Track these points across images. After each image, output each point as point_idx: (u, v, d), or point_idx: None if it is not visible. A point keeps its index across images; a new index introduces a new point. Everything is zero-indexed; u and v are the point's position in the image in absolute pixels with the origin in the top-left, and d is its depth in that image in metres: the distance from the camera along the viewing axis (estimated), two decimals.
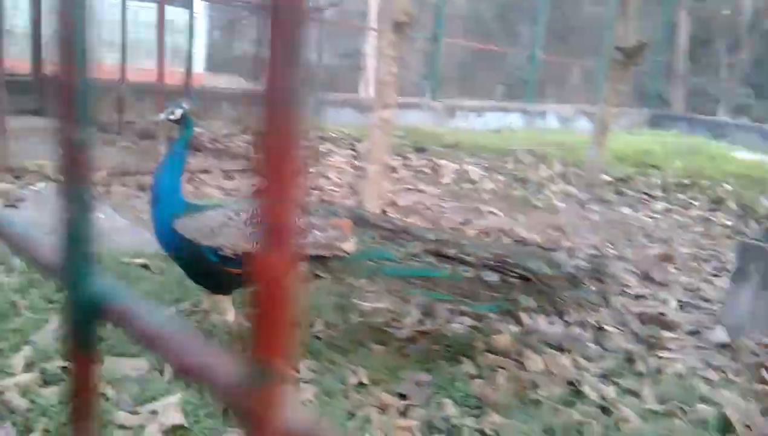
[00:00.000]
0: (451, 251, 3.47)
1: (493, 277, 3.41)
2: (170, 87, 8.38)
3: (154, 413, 2.76)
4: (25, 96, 8.72)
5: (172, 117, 3.30)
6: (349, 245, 3.35)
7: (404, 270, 3.40)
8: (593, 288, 3.64)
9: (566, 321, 4.26)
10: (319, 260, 3.35)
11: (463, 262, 3.44)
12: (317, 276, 3.54)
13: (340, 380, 3.22)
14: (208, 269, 3.22)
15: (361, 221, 3.55)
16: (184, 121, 3.32)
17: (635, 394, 3.42)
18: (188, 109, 3.31)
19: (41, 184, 5.93)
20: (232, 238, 3.13)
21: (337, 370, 3.33)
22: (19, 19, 9.24)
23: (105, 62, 9.50)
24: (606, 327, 4.26)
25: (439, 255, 3.46)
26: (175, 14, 10.17)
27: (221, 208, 3.29)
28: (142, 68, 9.70)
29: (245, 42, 13.32)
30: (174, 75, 9.18)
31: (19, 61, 8.88)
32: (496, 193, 8.39)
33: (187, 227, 3.17)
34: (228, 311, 3.30)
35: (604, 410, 3.19)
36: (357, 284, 3.55)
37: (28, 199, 5.50)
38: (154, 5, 9.50)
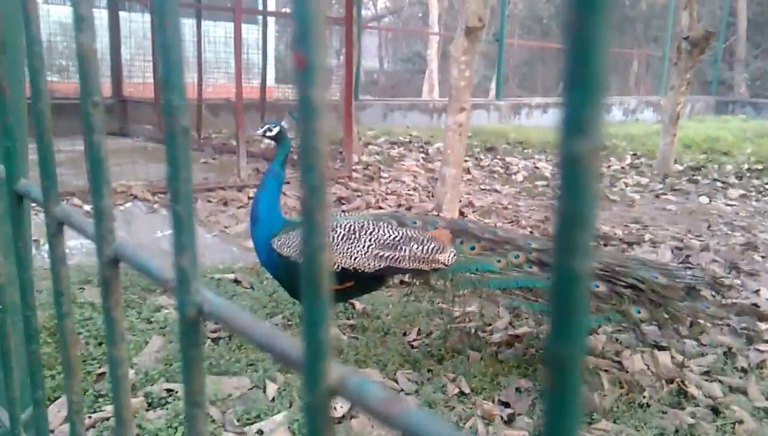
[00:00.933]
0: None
1: (601, 287, 3.16)
2: (247, 102, 8.40)
3: (260, 433, 2.68)
4: (107, 118, 8.90)
5: (269, 134, 3.23)
6: (447, 257, 3.22)
7: (506, 282, 3.22)
8: (712, 299, 3.33)
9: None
10: (417, 272, 3.26)
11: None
12: (414, 287, 3.44)
13: (440, 390, 3.10)
14: None
15: (460, 232, 3.42)
16: (280, 139, 3.25)
17: (742, 392, 3.19)
18: (285, 127, 3.25)
19: (128, 204, 5.97)
20: (344, 255, 3.08)
21: (436, 379, 3.21)
22: (97, 44, 9.45)
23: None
24: (700, 321, 4.01)
25: (543, 265, 3.26)
26: (245, 31, 10.25)
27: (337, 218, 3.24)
28: (217, 84, 9.78)
29: None
30: (248, 90, 9.22)
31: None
32: None
33: (284, 244, 3.12)
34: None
35: (714, 410, 2.98)
36: (457, 296, 3.37)
37: (118, 219, 5.56)
38: (224, 24, 9.58)
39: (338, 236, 3.11)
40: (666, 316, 3.16)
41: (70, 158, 6.58)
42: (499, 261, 3.28)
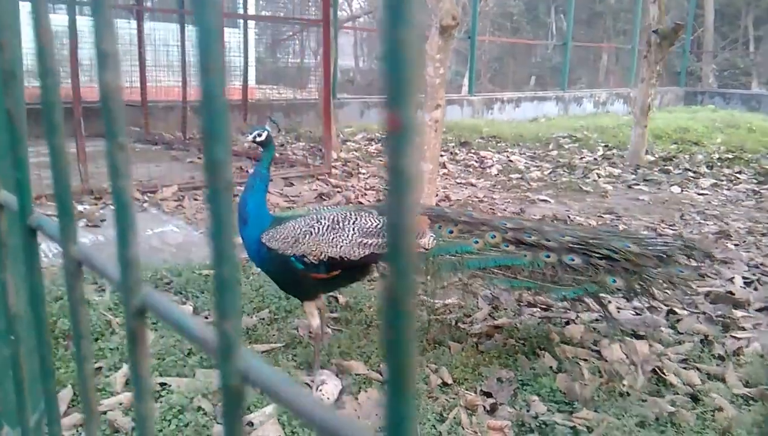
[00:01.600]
0: (531, 238, 3.31)
1: (576, 260, 3.23)
2: (230, 102, 8.33)
3: (250, 424, 2.65)
4: (99, 121, 8.78)
5: (258, 139, 3.19)
6: (427, 241, 3.28)
7: (484, 262, 3.27)
8: (686, 265, 3.36)
9: (635, 307, 4.07)
10: None
11: (543, 247, 3.29)
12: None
13: (423, 381, 3.07)
14: (295, 277, 3.13)
15: (438, 217, 3.45)
16: (266, 143, 3.22)
17: (720, 379, 3.20)
18: (270, 131, 3.22)
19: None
20: (315, 245, 3.07)
21: (419, 370, 3.17)
22: (86, 50, 9.32)
23: (167, 84, 9.53)
24: (676, 310, 4.03)
25: (520, 243, 3.31)
26: (227, 35, 10.18)
27: (303, 217, 3.20)
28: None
29: (287, 55, 13.27)
30: (231, 91, 9.14)
31: (90, 88, 8.95)
32: (543, 181, 8.14)
33: (273, 238, 3.10)
34: (313, 315, 3.19)
35: (693, 398, 2.98)
36: (437, 280, 3.37)
37: (109, 218, 5.48)
38: None
39: (323, 226, 3.11)
40: (641, 284, 3.21)
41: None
42: (476, 242, 3.32)
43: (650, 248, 3.34)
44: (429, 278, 3.36)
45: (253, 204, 3.14)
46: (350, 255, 3.09)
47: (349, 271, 3.21)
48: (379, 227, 3.18)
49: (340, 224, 3.12)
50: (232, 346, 0.50)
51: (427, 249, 3.27)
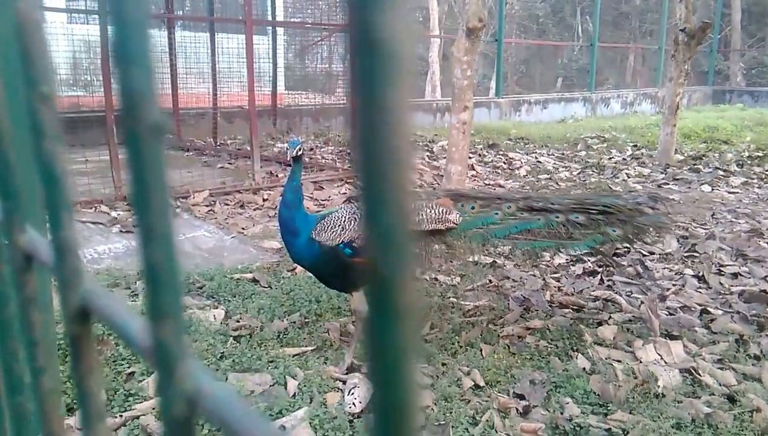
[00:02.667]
0: (539, 204, 3.67)
1: (580, 217, 3.59)
2: (259, 108, 8.37)
3: (282, 428, 2.63)
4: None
5: (299, 154, 3.27)
6: (456, 217, 3.54)
7: (507, 229, 3.59)
8: (657, 212, 3.76)
9: (668, 307, 3.98)
10: (435, 233, 3.53)
11: (551, 211, 3.63)
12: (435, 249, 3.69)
13: (455, 384, 3.02)
14: (345, 266, 3.20)
15: (458, 197, 3.74)
16: (298, 157, 3.30)
17: (756, 379, 3.09)
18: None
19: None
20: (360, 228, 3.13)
21: (451, 373, 3.13)
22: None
23: (198, 91, 9.61)
24: (710, 309, 3.92)
25: (532, 210, 3.65)
26: (256, 41, 10.24)
27: (343, 208, 3.34)
28: (231, 93, 9.79)
29: (316, 61, 13.32)
30: (260, 96, 9.19)
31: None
32: (572, 181, 8.03)
33: (321, 231, 3.20)
34: (363, 303, 3.23)
35: (730, 398, 2.88)
36: (470, 252, 3.69)
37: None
38: (236, 36, 9.58)
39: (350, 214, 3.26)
40: (634, 230, 3.63)
41: (97, 168, 6.56)
42: (496, 214, 3.63)
43: (630, 201, 3.79)
44: (462, 253, 3.69)
45: (299, 217, 3.24)
46: None
47: None
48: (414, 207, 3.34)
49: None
50: (172, 359, 0.36)
51: (456, 224, 3.52)
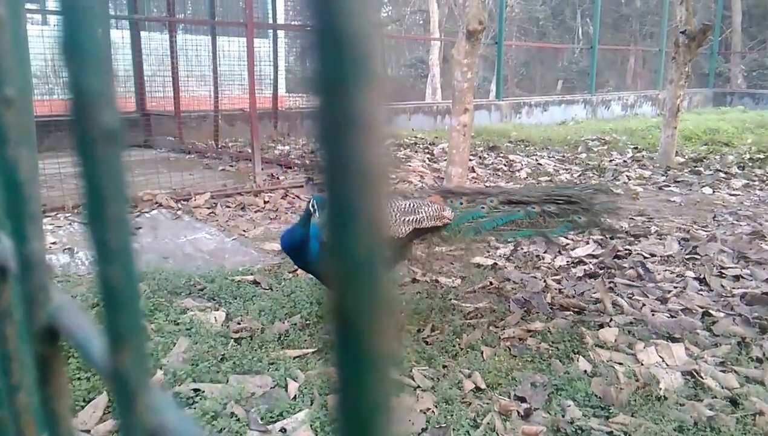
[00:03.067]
0: (516, 197, 3.93)
1: (551, 207, 3.86)
2: (260, 111, 8.37)
3: (283, 431, 2.62)
4: (132, 131, 8.89)
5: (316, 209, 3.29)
6: (449, 213, 3.72)
7: (494, 221, 3.82)
8: (607, 200, 4.06)
9: (670, 309, 3.96)
10: (433, 230, 3.68)
11: (527, 202, 3.89)
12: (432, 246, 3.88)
13: (456, 386, 3.00)
14: None
15: (447, 194, 3.96)
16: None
17: (759, 382, 3.07)
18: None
19: (154, 212, 5.97)
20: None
21: (452, 375, 3.12)
22: (120, 62, 9.44)
23: (199, 94, 9.60)
24: (712, 312, 3.91)
25: (511, 203, 3.90)
26: (257, 44, 10.24)
27: None
28: (232, 96, 9.78)
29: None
30: (261, 100, 9.19)
31: (124, 99, 9.07)
32: (573, 184, 8.01)
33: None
34: None
35: (732, 402, 2.86)
36: (465, 245, 3.93)
37: (144, 226, 5.52)
38: (237, 39, 9.60)
39: None
40: (593, 216, 3.91)
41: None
42: (482, 208, 3.86)
43: (585, 191, 4.10)
44: (457, 246, 3.94)
45: (302, 234, 3.32)
46: (399, 233, 3.46)
47: (395, 249, 3.55)
48: (412, 206, 3.59)
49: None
50: (133, 390, 0.32)
51: (451, 219, 3.70)
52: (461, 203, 3.88)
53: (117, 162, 0.31)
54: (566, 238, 5.22)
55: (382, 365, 0.24)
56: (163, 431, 0.31)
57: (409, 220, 3.50)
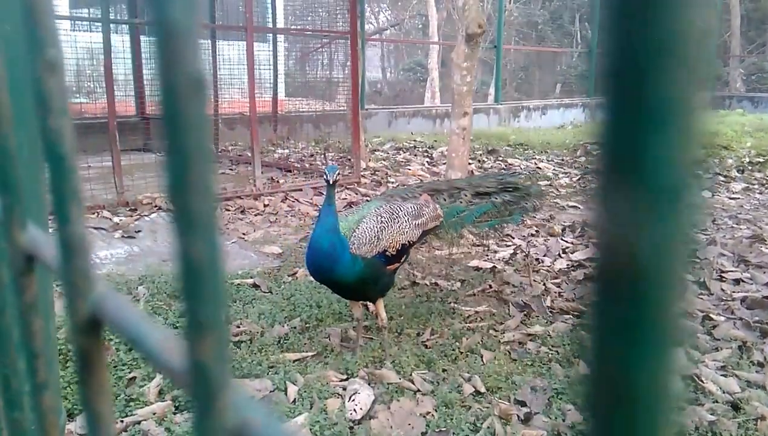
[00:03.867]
0: (481, 189, 4.09)
1: (507, 196, 4.08)
2: (260, 115, 8.37)
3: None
4: (132, 135, 8.88)
5: (335, 179, 3.18)
6: (440, 210, 3.75)
7: (472, 215, 3.93)
8: (538, 185, 4.52)
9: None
10: (434, 229, 3.72)
11: (491, 193, 4.08)
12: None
13: (456, 390, 2.99)
14: (382, 275, 3.28)
15: (432, 191, 3.96)
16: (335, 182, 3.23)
17: (760, 386, 3.06)
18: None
19: (153, 215, 5.96)
20: (391, 237, 3.31)
21: (452, 379, 3.10)
22: (120, 67, 9.43)
23: None
24: (712, 316, 3.89)
25: (479, 195, 4.06)
26: (257, 49, 10.24)
27: (363, 219, 3.34)
28: (231, 100, 9.78)
29: (317, 68, 13.34)
30: (261, 103, 9.19)
31: (124, 103, 9.06)
32: (572, 187, 8.00)
33: (359, 246, 3.20)
34: (384, 310, 3.38)
35: (734, 406, 2.85)
36: (455, 240, 4.06)
37: (144, 230, 5.50)
38: (236, 43, 9.60)
39: (387, 220, 3.33)
40: (533, 201, 4.20)
41: (99, 174, 6.55)
42: (461, 202, 3.96)
43: (521, 177, 4.51)
44: (444, 242, 4.10)
45: (340, 238, 3.12)
46: (413, 238, 3.45)
47: (407, 254, 3.56)
48: (416, 208, 3.57)
49: (396, 213, 3.42)
50: (213, 387, 0.30)
51: (442, 217, 3.73)
52: (445, 199, 3.93)
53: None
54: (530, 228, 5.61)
55: (674, 340, 0.19)
56: (248, 432, 0.29)
57: (417, 223, 3.48)
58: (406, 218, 3.43)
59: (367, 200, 6.72)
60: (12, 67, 0.63)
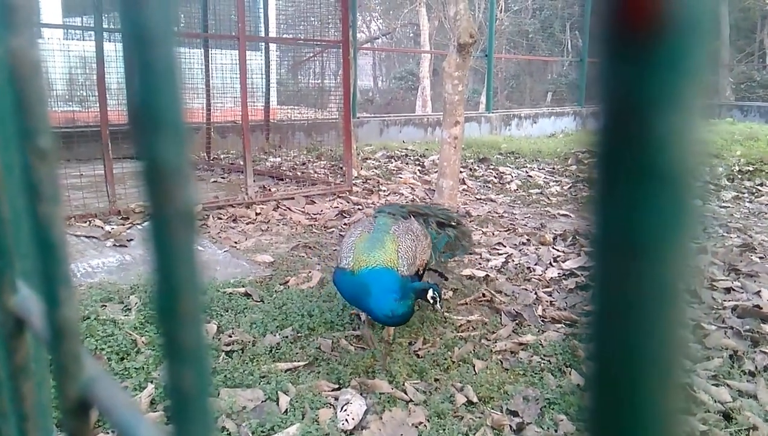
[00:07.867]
0: (439, 219, 4.06)
1: (450, 231, 4.04)
2: (252, 123, 8.36)
3: None
4: (125, 144, 8.86)
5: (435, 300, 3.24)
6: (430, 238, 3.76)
7: (440, 243, 3.93)
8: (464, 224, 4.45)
9: None
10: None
11: (443, 225, 4.04)
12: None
13: (448, 400, 2.98)
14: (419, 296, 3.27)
15: (415, 214, 3.93)
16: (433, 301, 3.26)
17: (752, 396, 3.06)
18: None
19: (146, 224, 5.93)
20: (419, 257, 3.39)
21: (444, 389, 3.09)
22: (113, 75, 9.42)
23: (191, 106, 9.57)
24: (703, 325, 3.90)
25: (441, 224, 4.04)
26: (249, 57, 10.24)
27: (390, 231, 3.38)
28: (224, 108, 9.78)
29: (309, 76, 13.36)
30: (253, 112, 9.18)
31: (117, 112, 9.04)
32: (564, 196, 8.02)
33: (408, 270, 3.27)
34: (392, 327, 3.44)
35: (726, 416, 2.85)
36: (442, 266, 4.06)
37: (136, 239, 5.47)
38: (229, 51, 9.60)
39: (412, 239, 3.39)
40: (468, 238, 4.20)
41: (91, 182, 6.52)
42: (432, 229, 3.92)
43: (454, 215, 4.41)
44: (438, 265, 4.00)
45: (401, 293, 3.19)
46: (428, 257, 3.53)
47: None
48: (423, 228, 3.63)
49: (414, 233, 3.47)
50: None
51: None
52: (422, 222, 3.90)
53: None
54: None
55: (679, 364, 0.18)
56: None
57: (429, 243, 3.53)
58: (423, 237, 3.50)
59: (360, 209, 6.72)
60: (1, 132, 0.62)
